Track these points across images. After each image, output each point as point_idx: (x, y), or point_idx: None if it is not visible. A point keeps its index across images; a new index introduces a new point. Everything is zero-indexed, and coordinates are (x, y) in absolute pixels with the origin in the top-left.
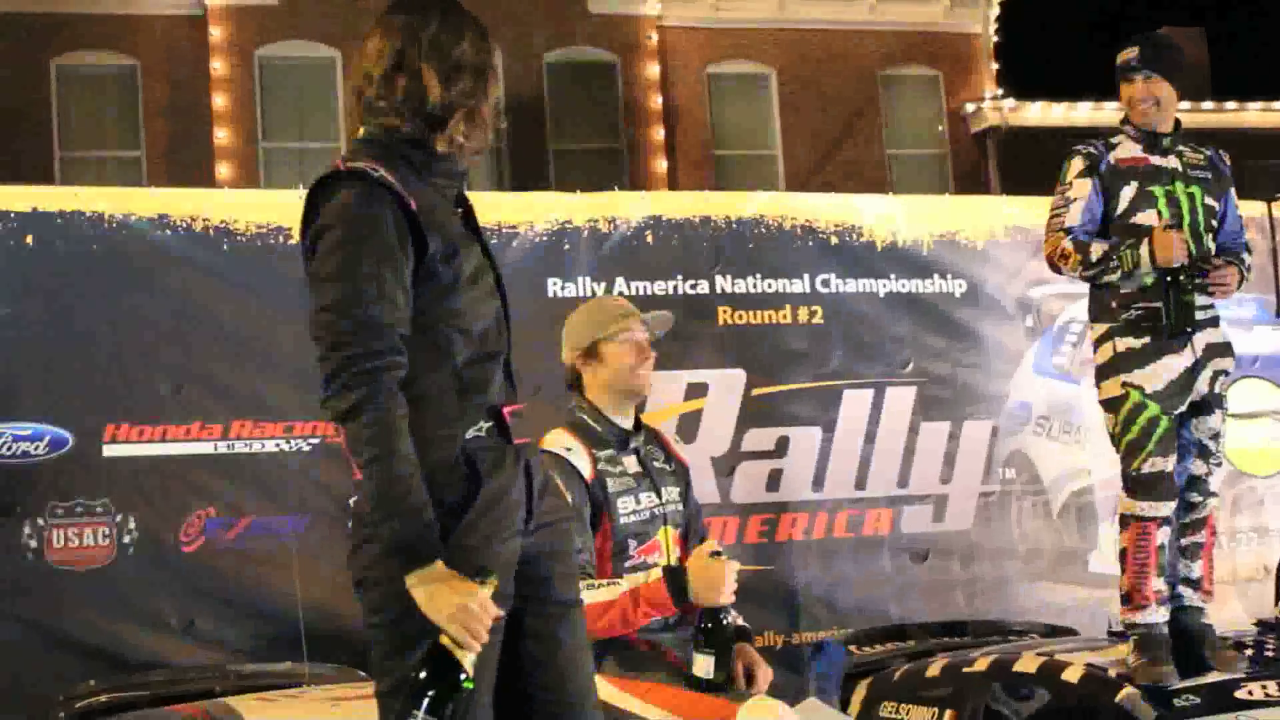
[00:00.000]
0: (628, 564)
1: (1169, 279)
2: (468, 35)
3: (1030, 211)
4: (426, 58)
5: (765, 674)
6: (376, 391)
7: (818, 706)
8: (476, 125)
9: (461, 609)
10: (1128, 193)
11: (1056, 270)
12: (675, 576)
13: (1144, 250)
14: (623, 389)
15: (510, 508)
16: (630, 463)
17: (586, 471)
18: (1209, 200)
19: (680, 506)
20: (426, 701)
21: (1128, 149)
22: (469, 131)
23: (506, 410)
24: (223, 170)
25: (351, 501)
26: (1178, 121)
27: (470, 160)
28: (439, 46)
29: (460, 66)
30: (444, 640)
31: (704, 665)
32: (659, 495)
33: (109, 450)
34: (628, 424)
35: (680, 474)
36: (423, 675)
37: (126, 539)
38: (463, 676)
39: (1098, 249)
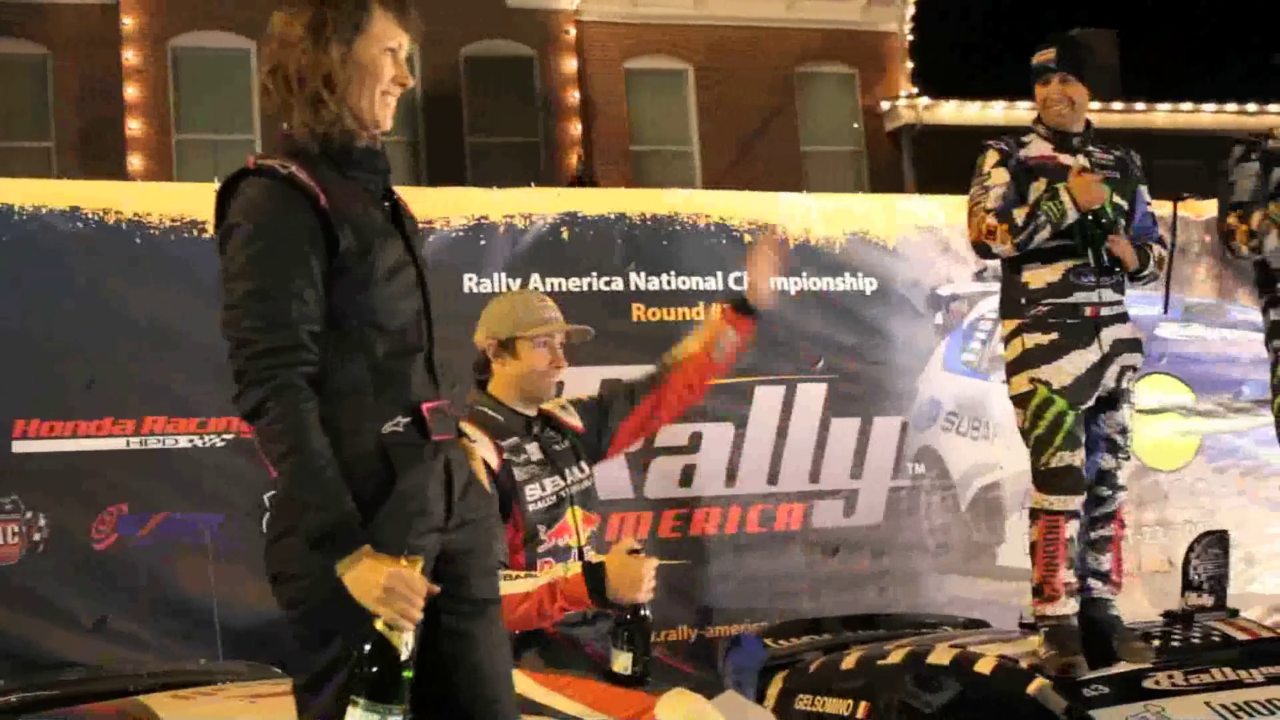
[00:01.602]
0: (541, 549)
1: (1089, 218)
2: (350, 7)
3: (943, 209)
4: (323, 51)
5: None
6: (282, 388)
7: (734, 699)
8: (369, 104)
9: (388, 590)
10: (1037, 189)
11: (985, 253)
12: (594, 573)
13: (1065, 197)
14: (528, 390)
15: (427, 504)
16: (533, 450)
17: (493, 462)
18: (1117, 198)
19: (584, 484)
20: (366, 688)
21: (1038, 147)
22: (365, 112)
23: (426, 406)
24: (135, 162)
25: (267, 497)
26: (1088, 122)
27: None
28: (334, 37)
29: (346, 41)
30: (379, 625)
31: (623, 661)
32: (563, 478)
33: (18, 446)
34: (530, 412)
35: (577, 445)
36: (363, 665)
37: (37, 536)
38: (403, 658)
39: (1020, 212)
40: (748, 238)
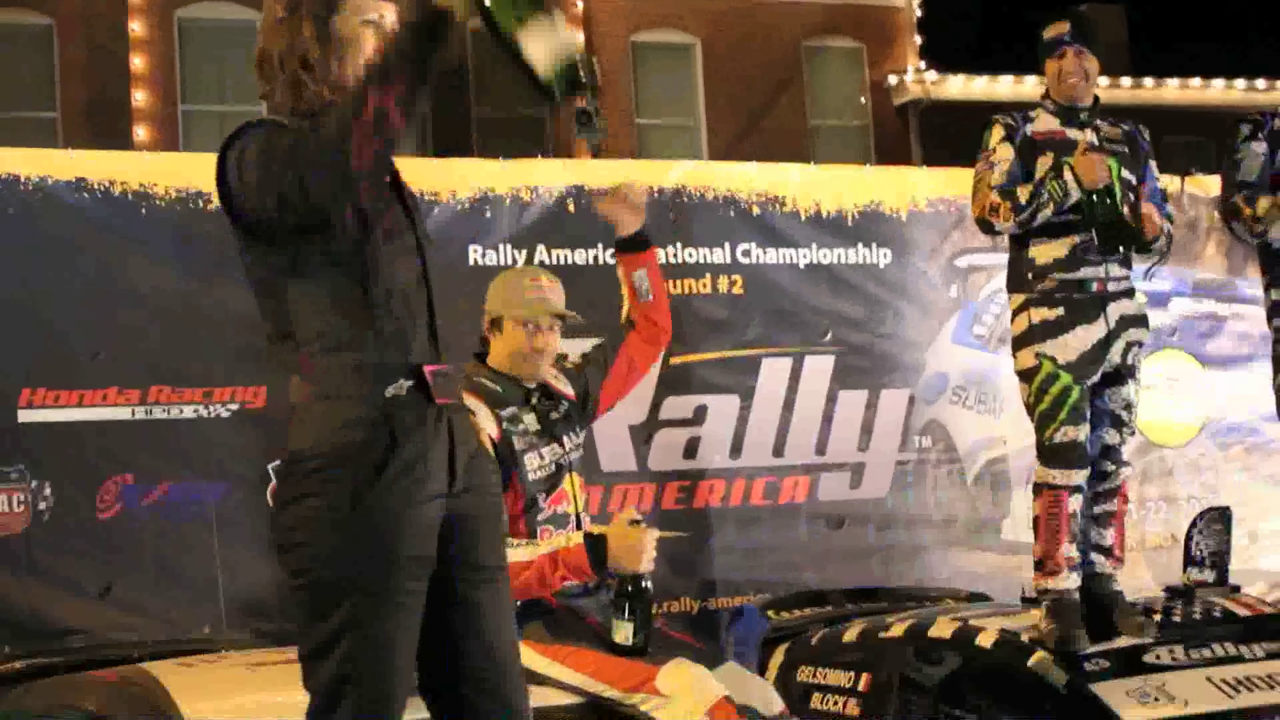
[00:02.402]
0: (540, 517)
1: (1093, 197)
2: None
3: (953, 182)
4: (298, 31)
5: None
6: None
7: (735, 670)
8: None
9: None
10: (1043, 164)
11: (988, 229)
12: (595, 544)
13: (1068, 176)
14: (514, 368)
15: (431, 468)
16: (530, 420)
17: (493, 431)
18: (1126, 173)
19: (581, 451)
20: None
21: (1045, 122)
22: (342, 81)
23: (428, 369)
24: (141, 133)
25: (271, 468)
26: (1096, 98)
27: None
28: (309, 15)
29: (318, 16)
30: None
31: (624, 631)
32: (561, 445)
33: (24, 416)
34: (530, 383)
35: (572, 413)
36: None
37: (42, 505)
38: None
39: (1024, 191)
40: (755, 210)
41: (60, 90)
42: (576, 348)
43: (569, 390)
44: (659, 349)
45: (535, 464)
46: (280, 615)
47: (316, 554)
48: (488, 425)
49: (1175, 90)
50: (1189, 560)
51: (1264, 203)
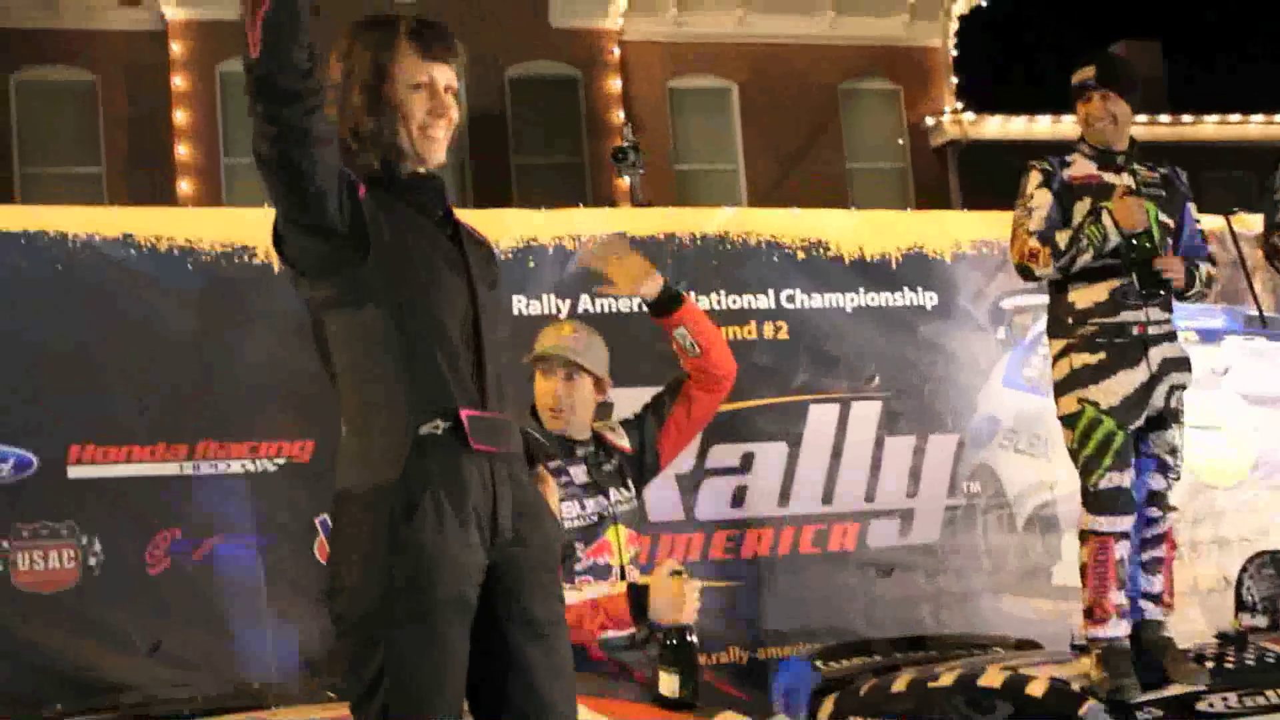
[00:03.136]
0: (578, 566)
1: (1133, 240)
2: (373, 50)
3: (995, 225)
4: (348, 99)
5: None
6: None
7: None
8: (407, 142)
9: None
10: (1081, 208)
11: (1027, 275)
12: (637, 593)
13: (1107, 220)
14: (541, 418)
15: (469, 513)
16: (578, 473)
17: None
18: (1164, 217)
19: (633, 504)
20: None
21: (1082, 166)
22: (406, 151)
23: (465, 413)
24: (184, 186)
25: (318, 520)
26: (1133, 140)
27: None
28: (358, 84)
29: (369, 86)
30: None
31: (670, 684)
32: (607, 497)
33: (74, 472)
34: (576, 435)
35: (625, 466)
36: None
37: (92, 561)
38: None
39: (1063, 236)
40: (800, 255)
41: (105, 145)
42: (633, 396)
43: (624, 443)
44: (718, 397)
45: (574, 512)
46: (330, 669)
47: (354, 595)
48: None
49: (1214, 126)
50: (1240, 605)
51: None
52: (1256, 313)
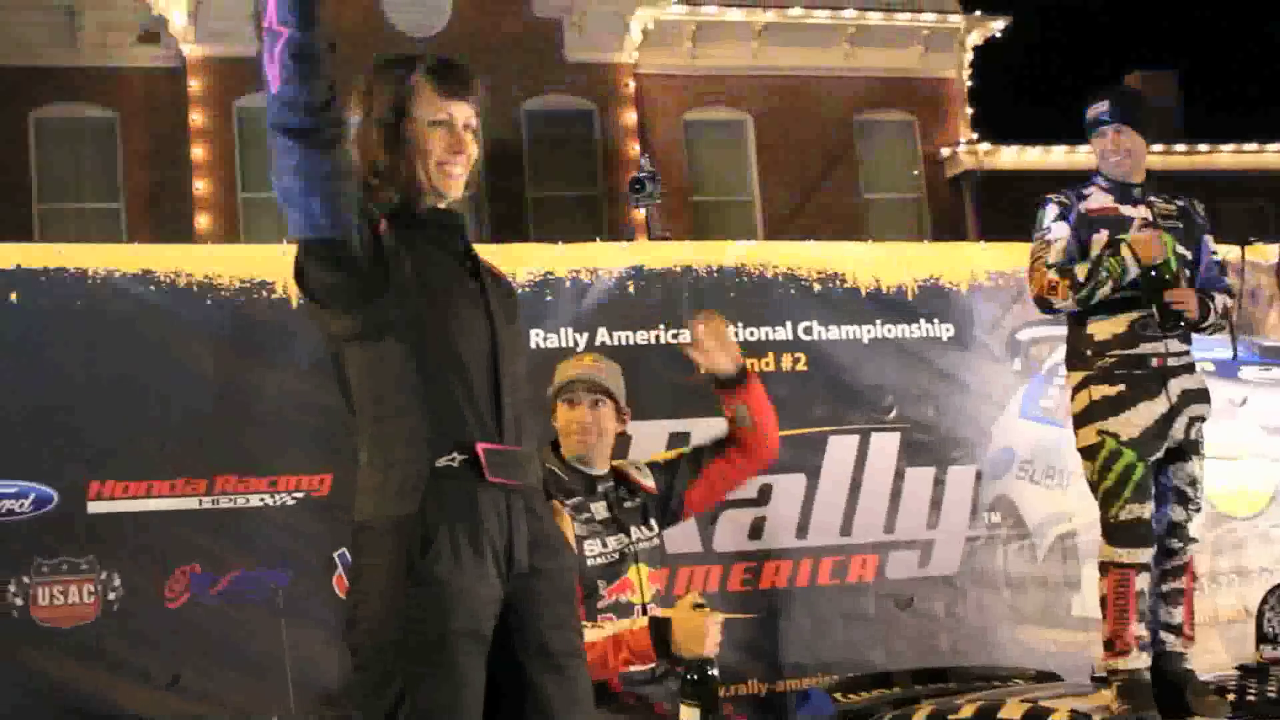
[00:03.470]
0: (601, 604)
1: (1152, 273)
2: (393, 87)
3: (1011, 256)
4: (366, 137)
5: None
6: None
7: None
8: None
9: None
10: (1098, 241)
11: (1046, 308)
12: (659, 627)
13: (1126, 253)
14: (566, 449)
15: (484, 546)
16: (599, 509)
17: None
18: (1181, 249)
19: (652, 542)
20: None
21: (1098, 199)
22: (424, 186)
23: (481, 446)
24: (202, 221)
25: (337, 555)
26: (1149, 172)
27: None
28: (377, 122)
29: (388, 123)
30: None
31: (690, 717)
32: (628, 535)
33: (94, 507)
34: (597, 470)
35: (648, 505)
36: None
37: (112, 595)
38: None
39: (1082, 269)
40: (816, 286)
41: (124, 181)
42: (649, 430)
43: (649, 483)
44: (753, 470)
45: (596, 550)
46: (347, 701)
47: (371, 627)
48: None
49: (1230, 155)
50: (1262, 637)
51: None
52: (1233, 351)
